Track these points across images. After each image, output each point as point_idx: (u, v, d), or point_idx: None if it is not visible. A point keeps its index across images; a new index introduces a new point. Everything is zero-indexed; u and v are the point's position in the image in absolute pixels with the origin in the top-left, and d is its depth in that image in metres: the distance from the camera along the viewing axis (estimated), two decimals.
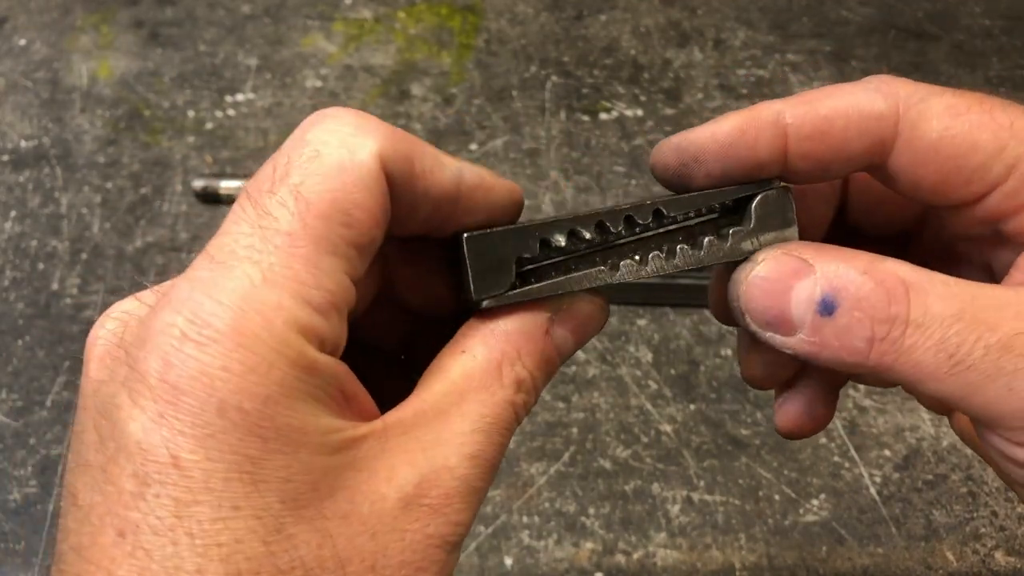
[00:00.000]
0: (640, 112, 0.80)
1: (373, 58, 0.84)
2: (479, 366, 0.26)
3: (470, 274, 0.27)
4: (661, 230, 0.29)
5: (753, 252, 0.28)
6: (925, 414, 0.62)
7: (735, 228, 0.29)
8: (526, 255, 0.28)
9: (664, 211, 0.29)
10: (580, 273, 0.28)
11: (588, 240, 0.28)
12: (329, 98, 0.81)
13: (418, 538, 0.24)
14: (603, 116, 0.80)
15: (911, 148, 0.27)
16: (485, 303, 0.27)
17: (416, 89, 0.82)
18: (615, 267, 0.29)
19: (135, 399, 0.22)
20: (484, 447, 0.26)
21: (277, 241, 0.23)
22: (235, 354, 0.22)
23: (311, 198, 0.23)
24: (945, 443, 0.61)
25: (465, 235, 0.27)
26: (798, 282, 0.26)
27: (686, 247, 0.29)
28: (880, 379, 0.27)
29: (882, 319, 0.24)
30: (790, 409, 0.34)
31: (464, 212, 0.27)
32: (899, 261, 0.26)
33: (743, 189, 0.29)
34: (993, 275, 0.29)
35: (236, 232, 0.23)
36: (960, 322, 0.24)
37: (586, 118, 0.79)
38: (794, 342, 0.26)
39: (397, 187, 0.25)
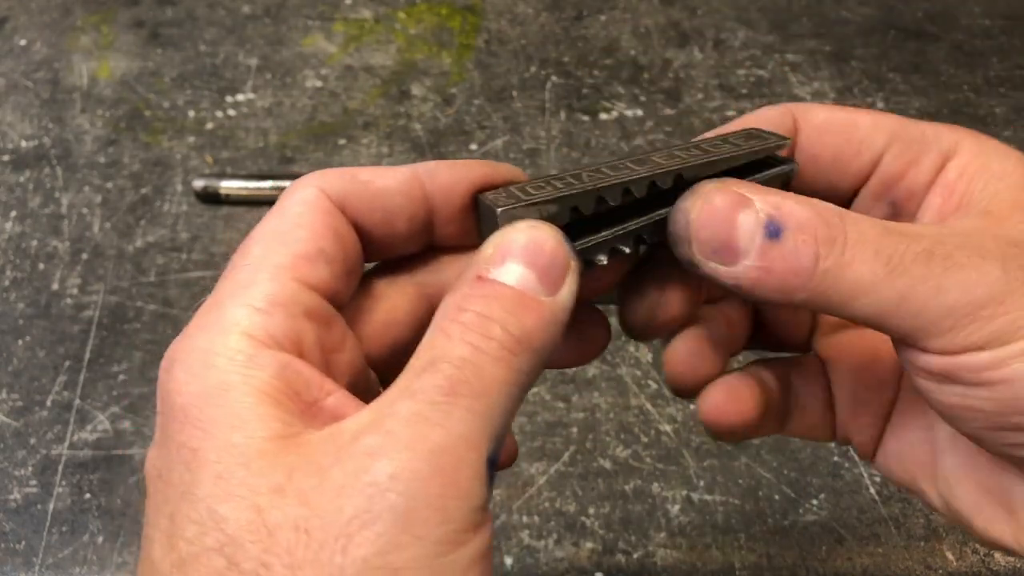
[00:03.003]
0: (640, 112, 0.80)
1: (373, 58, 0.84)
2: (424, 341, 0.26)
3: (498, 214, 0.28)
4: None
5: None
6: None
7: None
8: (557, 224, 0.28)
9: (683, 175, 0.30)
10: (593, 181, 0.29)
11: (614, 208, 0.29)
12: (329, 98, 0.81)
13: (359, 488, 0.22)
14: (603, 116, 0.80)
15: (804, 134, 0.32)
16: (500, 210, 0.27)
17: (416, 89, 0.82)
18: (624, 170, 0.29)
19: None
20: (428, 382, 0.24)
21: (227, 275, 0.27)
22: (183, 367, 0.25)
23: (255, 236, 0.28)
24: None
25: (478, 195, 0.29)
26: (743, 209, 0.28)
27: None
28: (816, 304, 0.28)
29: (825, 239, 0.27)
30: (714, 396, 0.35)
31: (444, 183, 0.30)
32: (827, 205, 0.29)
33: (762, 152, 0.31)
34: None
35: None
36: (889, 236, 0.27)
37: (586, 118, 0.80)
38: (739, 270, 0.28)
39: (351, 197, 0.29)
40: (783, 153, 0.31)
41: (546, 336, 0.26)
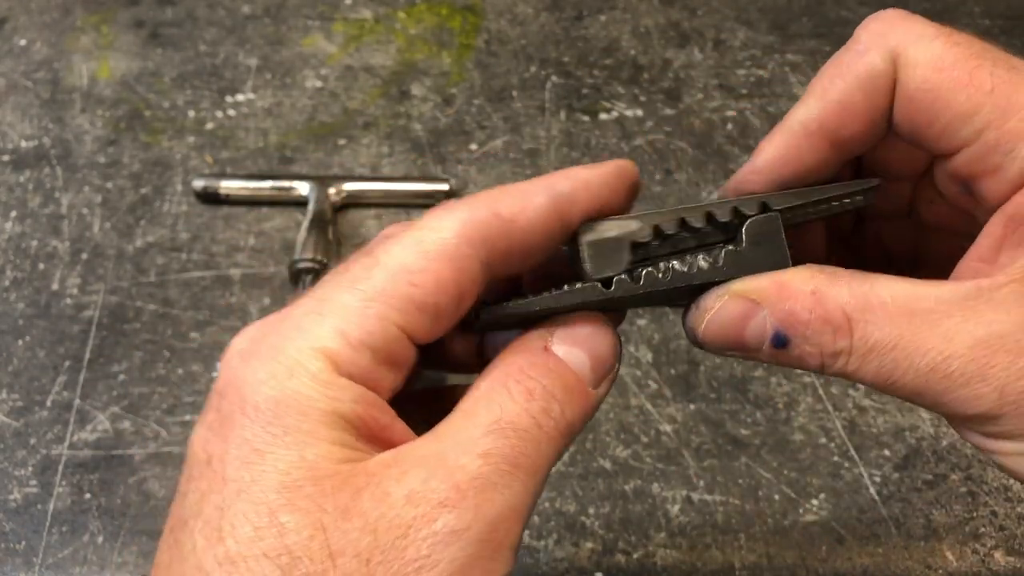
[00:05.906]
0: (640, 112, 0.80)
1: (373, 58, 0.84)
2: (483, 389, 0.28)
3: (586, 256, 0.29)
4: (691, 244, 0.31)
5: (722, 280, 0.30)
6: (925, 414, 0.62)
7: (727, 248, 0.30)
8: (640, 240, 0.30)
9: (769, 204, 0.30)
10: (573, 290, 0.30)
11: (697, 230, 0.30)
12: (329, 98, 0.81)
13: (424, 534, 0.24)
14: (603, 116, 0.80)
15: (900, 92, 0.29)
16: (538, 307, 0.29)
17: (416, 89, 0.82)
18: (608, 284, 0.30)
19: (204, 413, 0.27)
20: (498, 446, 0.26)
21: (343, 285, 0.27)
22: (265, 364, 0.26)
23: (384, 260, 0.27)
24: (945, 443, 0.61)
25: (580, 226, 0.30)
26: (750, 322, 0.28)
27: (677, 264, 0.30)
28: None
29: (830, 353, 0.27)
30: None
31: (580, 213, 0.30)
32: (843, 279, 0.27)
33: (853, 184, 0.30)
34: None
35: (326, 279, 0.28)
36: (895, 350, 0.26)
37: (586, 118, 0.79)
38: (755, 356, 0.29)
39: (493, 241, 0.28)
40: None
41: (582, 425, 0.29)
